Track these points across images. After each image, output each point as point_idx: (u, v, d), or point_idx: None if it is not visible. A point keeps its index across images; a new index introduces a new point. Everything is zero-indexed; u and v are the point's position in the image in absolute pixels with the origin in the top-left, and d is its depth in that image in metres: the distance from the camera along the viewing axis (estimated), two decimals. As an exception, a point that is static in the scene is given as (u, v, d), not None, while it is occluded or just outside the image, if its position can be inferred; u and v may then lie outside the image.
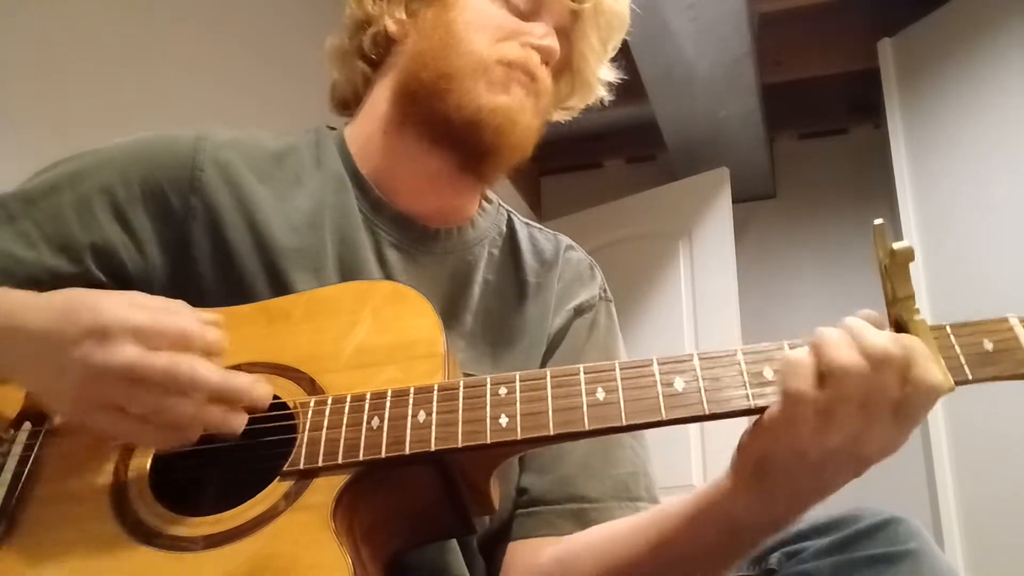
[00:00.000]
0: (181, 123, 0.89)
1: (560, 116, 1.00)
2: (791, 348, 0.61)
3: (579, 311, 0.93)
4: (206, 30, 1.99)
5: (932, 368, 0.57)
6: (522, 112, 0.85)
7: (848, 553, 0.63)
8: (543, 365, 0.88)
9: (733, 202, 3.06)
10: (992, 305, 2.20)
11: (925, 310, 2.61)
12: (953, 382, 0.58)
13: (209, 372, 0.62)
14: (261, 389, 0.65)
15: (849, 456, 0.58)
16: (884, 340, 0.57)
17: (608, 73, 0.98)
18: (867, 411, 0.57)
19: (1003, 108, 2.48)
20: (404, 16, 0.90)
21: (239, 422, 0.64)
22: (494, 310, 0.89)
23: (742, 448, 0.62)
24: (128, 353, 0.60)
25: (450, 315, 0.86)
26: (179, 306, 0.66)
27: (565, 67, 0.93)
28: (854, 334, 0.58)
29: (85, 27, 1.68)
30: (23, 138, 1.48)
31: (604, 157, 3.64)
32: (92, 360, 0.60)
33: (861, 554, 0.63)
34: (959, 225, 2.54)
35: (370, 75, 0.93)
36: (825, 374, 0.57)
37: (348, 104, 0.97)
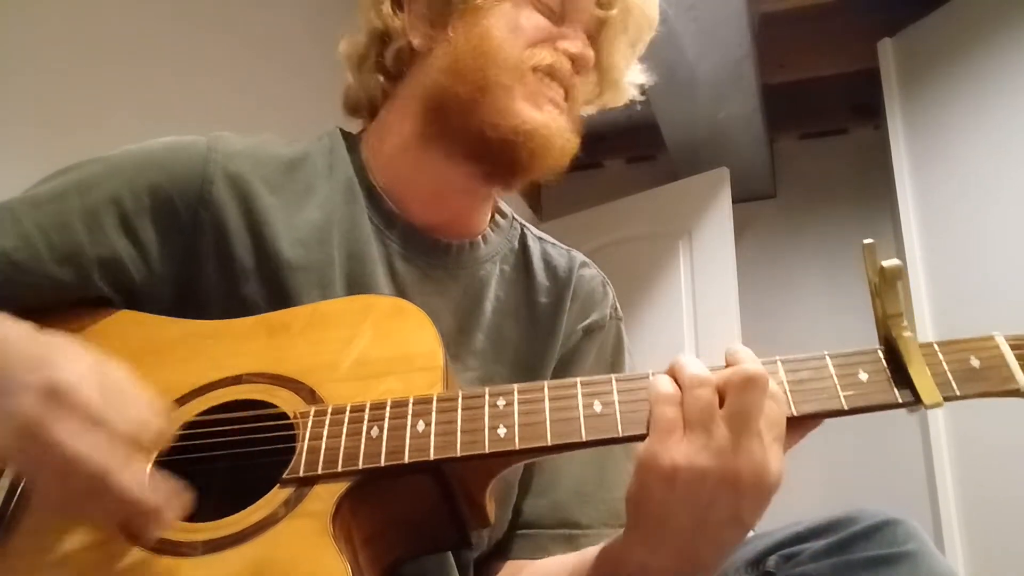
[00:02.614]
0: (184, 124, 0.89)
1: (586, 111, 0.99)
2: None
3: (589, 331, 0.93)
4: (209, 30, 1.99)
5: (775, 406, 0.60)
6: (559, 135, 0.84)
7: (846, 555, 0.63)
8: None
9: (733, 202, 3.05)
10: (993, 306, 2.20)
11: (926, 313, 2.62)
12: (941, 397, 0.60)
13: (129, 487, 0.58)
14: (166, 517, 0.60)
15: (722, 480, 0.58)
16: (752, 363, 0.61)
17: (638, 75, 0.98)
18: (733, 426, 0.58)
19: (1004, 108, 2.47)
20: (430, 30, 0.88)
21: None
22: (505, 328, 0.88)
23: (626, 493, 0.63)
24: (64, 427, 0.57)
25: (462, 332, 0.86)
26: (137, 389, 0.64)
27: (593, 67, 0.92)
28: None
29: (86, 27, 1.68)
30: (24, 138, 1.48)
31: (604, 157, 3.64)
32: (30, 416, 0.58)
33: (860, 556, 0.63)
34: (959, 225, 2.54)
35: (388, 88, 0.91)
36: (682, 389, 0.60)
37: (360, 109, 0.95)
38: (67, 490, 0.59)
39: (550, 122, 0.83)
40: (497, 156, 0.83)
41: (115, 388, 0.62)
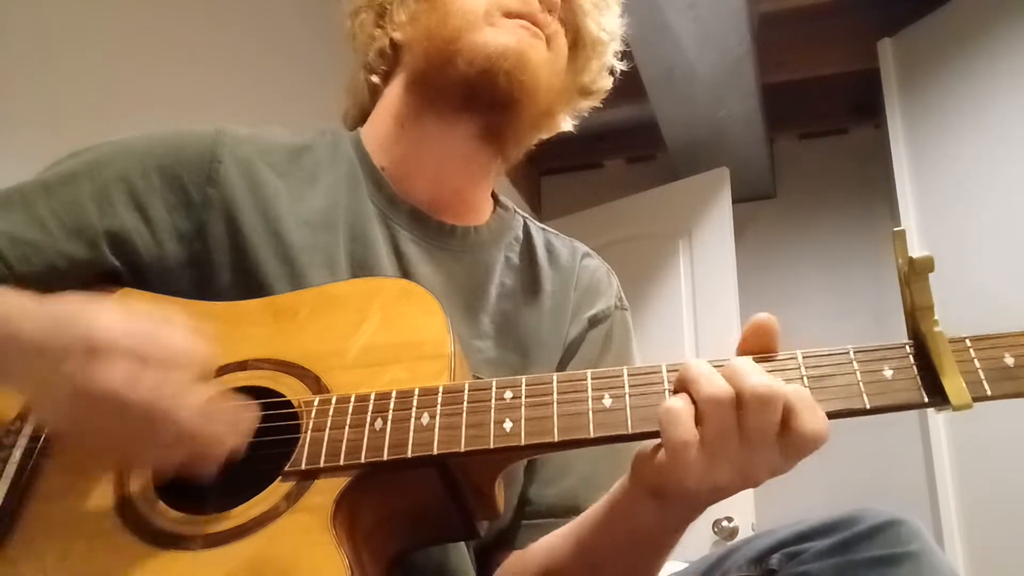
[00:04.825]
0: (184, 123, 0.89)
1: (591, 99, 1.00)
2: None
3: (594, 321, 0.92)
4: (209, 28, 1.98)
5: (809, 417, 0.58)
6: (533, 51, 0.85)
7: (849, 554, 0.62)
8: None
9: (733, 202, 3.05)
10: (993, 306, 2.19)
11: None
12: (971, 398, 0.57)
13: (187, 415, 0.59)
14: (234, 439, 0.62)
15: (739, 478, 0.60)
16: (763, 380, 0.58)
17: (616, 22, 0.98)
18: (751, 444, 0.58)
19: (1003, 108, 2.48)
20: (407, 22, 0.91)
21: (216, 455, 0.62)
22: (510, 314, 0.88)
23: (635, 472, 0.64)
24: (113, 377, 0.58)
25: (469, 313, 0.86)
26: (172, 324, 0.63)
27: (575, 36, 0.94)
28: (733, 373, 0.59)
29: (86, 27, 1.68)
30: (24, 138, 1.48)
31: (604, 157, 3.63)
32: (77, 379, 0.58)
33: (862, 555, 0.62)
34: (959, 224, 2.54)
35: (378, 85, 0.94)
36: (700, 412, 0.58)
37: (360, 119, 0.97)
38: (125, 438, 0.59)
39: (522, 42, 0.85)
40: (480, 93, 0.85)
41: (146, 328, 0.62)
